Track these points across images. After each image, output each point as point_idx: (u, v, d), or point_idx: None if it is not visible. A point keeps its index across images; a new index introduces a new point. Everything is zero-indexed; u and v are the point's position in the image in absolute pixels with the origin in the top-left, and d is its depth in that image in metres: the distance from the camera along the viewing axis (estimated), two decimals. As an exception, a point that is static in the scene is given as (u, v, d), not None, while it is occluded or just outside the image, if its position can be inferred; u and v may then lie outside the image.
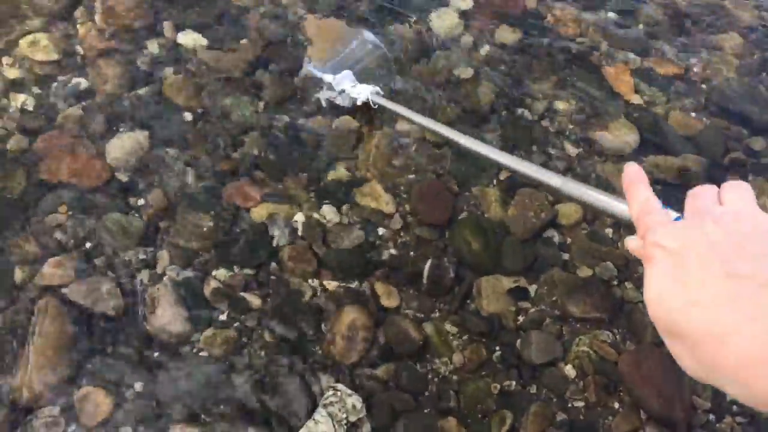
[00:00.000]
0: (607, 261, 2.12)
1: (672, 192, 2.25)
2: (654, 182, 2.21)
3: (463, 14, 2.70)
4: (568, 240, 2.18)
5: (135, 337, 1.85)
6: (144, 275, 1.96)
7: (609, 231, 2.20)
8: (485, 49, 2.59)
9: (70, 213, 2.03)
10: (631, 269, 2.12)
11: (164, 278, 1.96)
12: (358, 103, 2.28)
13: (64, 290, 1.89)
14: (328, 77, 2.34)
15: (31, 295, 1.87)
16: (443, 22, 2.66)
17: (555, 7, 2.77)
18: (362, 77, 2.37)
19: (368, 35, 2.48)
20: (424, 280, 2.05)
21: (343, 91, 2.32)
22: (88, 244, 2.00)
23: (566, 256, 2.14)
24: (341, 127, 2.33)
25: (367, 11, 2.64)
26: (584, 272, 2.10)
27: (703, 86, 2.56)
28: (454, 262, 2.08)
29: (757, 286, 0.60)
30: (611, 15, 2.76)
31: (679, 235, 0.68)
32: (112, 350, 1.82)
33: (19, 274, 1.90)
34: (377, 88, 2.28)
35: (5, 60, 2.32)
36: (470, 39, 2.62)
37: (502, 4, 2.75)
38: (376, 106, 2.25)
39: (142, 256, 2.00)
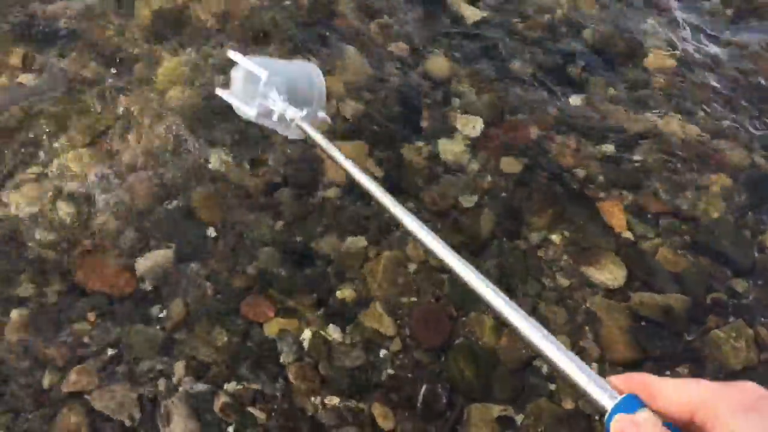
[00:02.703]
0: (591, 395, 2.26)
1: (655, 330, 2.41)
2: (638, 319, 2.38)
3: (471, 142, 2.92)
4: (556, 370, 2.32)
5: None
6: (161, 385, 2.13)
7: (594, 365, 2.35)
8: (489, 178, 2.79)
9: (97, 321, 2.22)
10: (613, 404, 2.26)
11: (179, 389, 2.13)
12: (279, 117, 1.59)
13: (87, 397, 2.06)
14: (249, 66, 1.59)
15: (58, 400, 2.05)
16: (451, 148, 2.88)
17: (556, 139, 2.99)
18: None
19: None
20: (419, 404, 2.20)
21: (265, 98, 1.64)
22: (111, 352, 2.18)
23: (553, 387, 2.29)
24: (351, 248, 2.52)
25: (378, 135, 2.87)
26: (569, 404, 2.24)
27: (691, 225, 2.74)
28: (447, 388, 2.23)
29: None
30: (609, 149, 2.98)
31: None
32: (127, 460, 1.98)
33: (47, 379, 2.09)
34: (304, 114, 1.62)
35: (50, 171, 2.56)
36: (476, 167, 2.83)
37: (508, 134, 2.98)
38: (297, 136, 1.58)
39: (160, 367, 2.17)
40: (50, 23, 3.09)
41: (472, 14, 3.51)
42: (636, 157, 2.96)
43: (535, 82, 3.24)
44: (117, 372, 2.14)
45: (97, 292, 2.29)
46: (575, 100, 3.18)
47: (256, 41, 3.17)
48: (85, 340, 2.19)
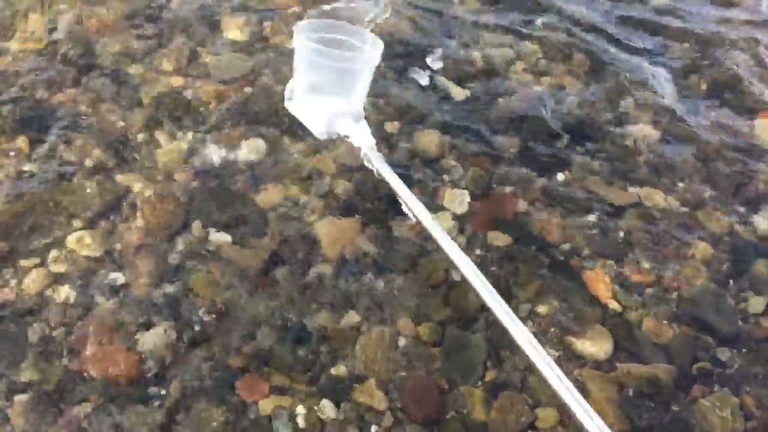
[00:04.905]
0: (581, 469, 2.30)
1: (642, 401, 2.46)
2: (625, 390, 2.43)
3: (458, 218, 3.03)
4: (546, 444, 2.37)
5: None
6: (158, 469, 2.18)
7: (583, 436, 2.39)
8: (477, 252, 2.89)
9: (96, 405, 2.28)
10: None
11: (176, 473, 2.18)
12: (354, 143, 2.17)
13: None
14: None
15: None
16: (440, 222, 2.98)
17: (543, 212, 3.10)
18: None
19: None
20: (411, 483, 2.24)
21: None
22: (110, 435, 2.24)
23: (548, 462, 2.33)
24: (343, 325, 2.60)
25: (369, 212, 2.98)
26: (563, 480, 2.28)
27: (674, 295, 2.82)
28: (439, 465, 2.28)
29: None
30: (593, 221, 3.08)
31: None
32: None
33: (47, 466, 2.14)
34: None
35: (53, 254, 2.66)
36: (463, 241, 2.93)
37: (494, 209, 3.09)
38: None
39: (158, 448, 2.23)
40: (55, 111, 3.25)
41: (459, 93, 3.68)
42: (620, 229, 3.06)
43: (520, 157, 3.37)
44: (116, 454, 2.20)
45: (97, 376, 2.36)
46: (560, 174, 3.31)
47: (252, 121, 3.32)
48: (84, 424, 2.25)
